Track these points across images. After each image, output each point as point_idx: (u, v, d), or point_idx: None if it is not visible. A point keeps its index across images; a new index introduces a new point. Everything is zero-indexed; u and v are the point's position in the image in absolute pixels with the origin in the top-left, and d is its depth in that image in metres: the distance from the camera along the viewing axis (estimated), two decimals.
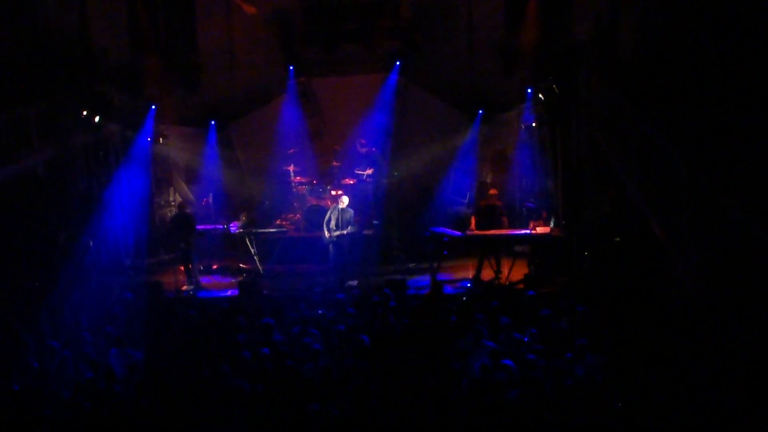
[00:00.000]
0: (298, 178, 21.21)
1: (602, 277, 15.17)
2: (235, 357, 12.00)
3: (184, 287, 17.61)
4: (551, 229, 17.08)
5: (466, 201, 20.44)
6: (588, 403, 10.11)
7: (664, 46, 13.69)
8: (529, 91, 19.16)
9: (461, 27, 21.37)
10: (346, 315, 13.88)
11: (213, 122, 21.36)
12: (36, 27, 18.38)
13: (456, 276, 17.56)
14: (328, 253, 17.99)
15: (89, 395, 11.13)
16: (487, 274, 17.23)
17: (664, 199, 11.71)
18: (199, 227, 18.34)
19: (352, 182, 20.65)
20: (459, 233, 17.30)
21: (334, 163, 21.49)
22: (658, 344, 11.56)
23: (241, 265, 18.60)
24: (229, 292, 17.05)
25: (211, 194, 21.21)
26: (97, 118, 18.25)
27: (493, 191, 18.11)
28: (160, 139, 20.48)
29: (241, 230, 18.51)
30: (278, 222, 20.42)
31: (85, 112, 18.04)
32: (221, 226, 18.68)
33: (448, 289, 16.47)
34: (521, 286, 16.52)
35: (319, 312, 14.26)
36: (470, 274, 17.30)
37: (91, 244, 17.64)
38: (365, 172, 20.76)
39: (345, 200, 17.98)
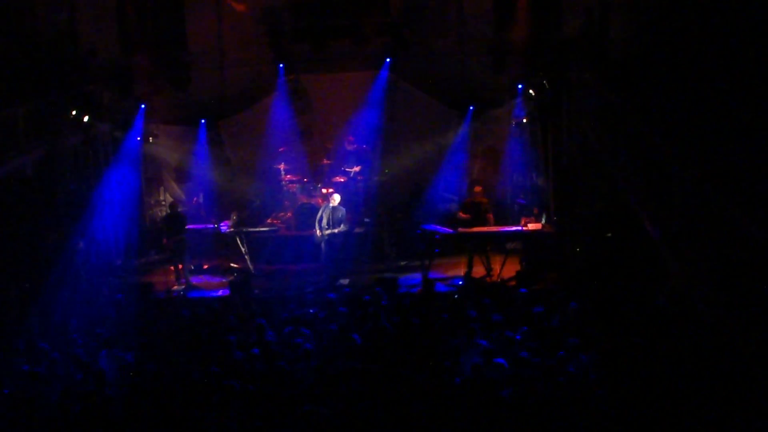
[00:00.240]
0: (288, 176, 21.14)
1: (594, 273, 15.14)
2: (226, 357, 11.94)
3: (175, 287, 17.53)
4: (543, 226, 17.05)
5: (458, 198, 20.39)
6: (580, 401, 10.07)
7: (655, 42, 13.67)
8: (520, 87, 19.18)
9: (451, 23, 21.31)
10: (337, 314, 13.82)
11: (203, 121, 21.31)
12: (24, 26, 18.30)
13: (447, 274, 17.51)
14: (319, 252, 17.93)
15: (79, 397, 11.05)
16: (479, 271, 17.18)
17: (655, 195, 11.69)
18: (190, 227, 18.24)
19: (342, 180, 20.57)
20: (450, 230, 17.25)
21: (325, 161, 21.40)
22: (649, 341, 11.53)
23: (232, 265, 18.52)
24: (220, 292, 16.97)
25: (201, 193, 21.19)
26: (86, 118, 18.21)
27: (477, 188, 18.09)
28: (150, 138, 20.43)
29: (232, 229, 18.41)
30: (269, 221, 20.37)
31: (74, 112, 18.01)
32: (212, 226, 18.59)
33: (440, 287, 16.40)
34: (513, 283, 16.48)
35: (311, 311, 14.19)
36: (462, 272, 17.25)
37: (81, 244, 17.55)
38: (353, 170, 20.69)
39: (336, 198, 17.93)
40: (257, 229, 19.13)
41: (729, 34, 11.20)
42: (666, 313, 11.92)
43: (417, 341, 12.62)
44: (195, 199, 21.26)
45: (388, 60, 20.89)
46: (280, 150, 21.29)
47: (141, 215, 20.32)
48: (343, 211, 17.87)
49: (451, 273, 17.52)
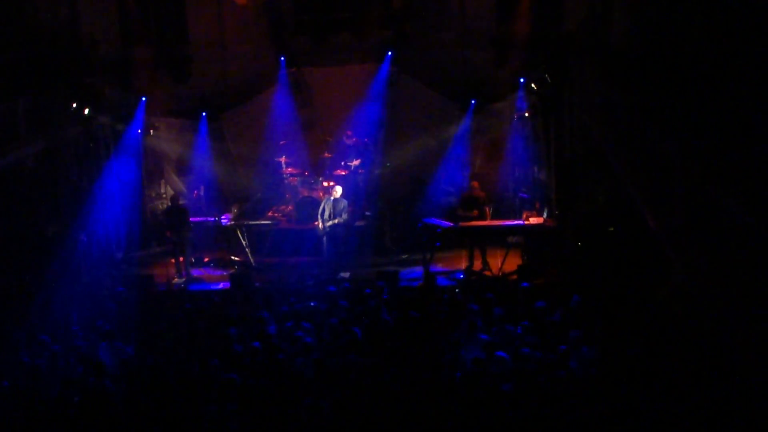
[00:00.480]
0: (289, 169, 21.11)
1: (596, 267, 15.11)
2: (227, 350, 11.94)
3: (176, 280, 17.52)
4: (544, 220, 17.04)
5: (459, 192, 20.35)
6: (582, 396, 10.06)
7: (657, 35, 13.61)
8: (522, 80, 19.10)
9: (453, 16, 21.24)
10: (338, 307, 13.80)
11: (204, 113, 21.24)
12: (25, 19, 18.23)
13: (449, 267, 17.49)
14: (320, 245, 17.94)
15: (80, 390, 11.05)
16: (480, 265, 17.18)
17: (657, 190, 11.66)
18: (191, 219, 18.21)
19: (344, 173, 20.53)
20: (452, 224, 17.23)
21: (326, 154, 21.37)
22: (651, 336, 11.51)
23: (233, 258, 18.50)
24: (220, 285, 16.96)
25: (202, 186, 21.13)
26: (86, 111, 18.15)
27: (475, 183, 18.06)
28: (151, 131, 20.40)
29: (233, 222, 18.41)
30: (270, 214, 20.35)
31: (74, 105, 17.94)
32: (212, 218, 18.57)
33: (441, 280, 16.37)
34: (514, 277, 16.46)
35: (311, 304, 14.18)
36: (463, 266, 17.25)
37: (82, 237, 17.55)
38: (353, 163, 20.66)
39: (338, 190, 17.94)
40: (258, 222, 19.07)
41: (733, 28, 11.15)
42: (667, 308, 11.90)
43: (418, 335, 12.61)
44: (196, 191, 21.23)
45: (389, 53, 20.84)
46: (281, 143, 21.25)
47: (142, 208, 20.29)
48: (345, 202, 17.86)
49: (452, 267, 17.50)
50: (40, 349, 12.62)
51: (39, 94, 17.20)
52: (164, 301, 15.75)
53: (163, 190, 21.74)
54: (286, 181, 21.09)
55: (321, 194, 19.68)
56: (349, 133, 21.13)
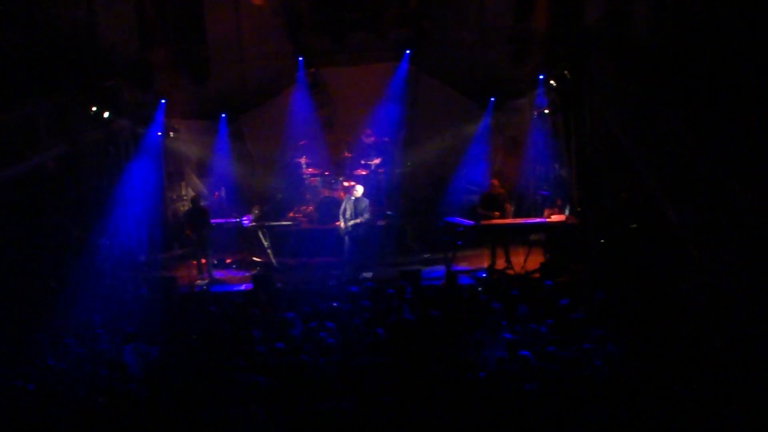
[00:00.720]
0: (310, 169, 21.13)
1: (619, 264, 15.02)
2: (250, 352, 11.94)
3: (198, 282, 17.57)
4: (566, 217, 16.97)
5: (480, 190, 20.29)
6: (607, 395, 9.99)
7: (678, 30, 13.51)
8: (541, 77, 18.99)
9: (471, 13, 21.12)
10: (361, 307, 13.78)
11: (223, 115, 21.31)
12: (44, 23, 18.31)
13: (471, 266, 17.44)
14: (341, 245, 17.91)
15: (105, 392, 11.08)
16: (502, 263, 17.13)
17: (679, 186, 11.58)
18: (212, 221, 18.27)
19: (364, 173, 20.52)
20: (473, 222, 17.16)
21: (346, 154, 21.36)
22: (675, 332, 11.44)
23: (255, 259, 18.53)
24: (243, 286, 16.96)
25: (223, 188, 21.17)
26: (106, 114, 18.19)
27: (494, 181, 18.01)
28: (171, 133, 20.43)
29: (254, 223, 18.45)
30: (291, 214, 20.40)
31: (94, 108, 17.99)
32: (234, 220, 18.64)
33: (464, 279, 16.33)
34: (537, 275, 16.39)
35: (334, 305, 14.17)
36: (485, 264, 17.20)
37: (104, 240, 17.63)
38: (372, 162, 20.65)
39: (359, 189, 17.89)
40: (279, 223, 19.12)
41: (757, 21, 11.04)
42: (691, 303, 11.82)
43: (441, 334, 12.57)
44: (217, 193, 21.28)
45: (407, 52, 20.79)
46: (301, 143, 21.28)
47: (163, 210, 20.35)
48: (366, 201, 17.83)
49: (474, 265, 17.44)
50: (65, 352, 12.69)
51: (58, 98, 17.26)
52: (187, 302, 15.77)
53: (184, 192, 21.78)
54: (306, 182, 21.10)
55: (342, 194, 19.67)
56: (369, 132, 21.11)
